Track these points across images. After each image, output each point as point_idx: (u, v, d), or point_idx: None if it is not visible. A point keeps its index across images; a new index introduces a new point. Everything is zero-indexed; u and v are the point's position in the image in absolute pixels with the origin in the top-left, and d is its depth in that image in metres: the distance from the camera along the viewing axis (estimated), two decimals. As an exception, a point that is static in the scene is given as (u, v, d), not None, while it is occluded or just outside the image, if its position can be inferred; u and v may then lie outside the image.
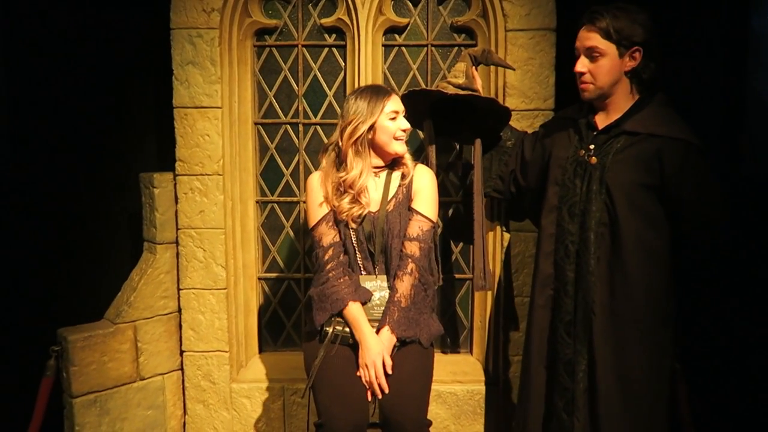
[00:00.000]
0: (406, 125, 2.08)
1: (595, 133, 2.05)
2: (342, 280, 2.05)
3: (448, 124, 2.42)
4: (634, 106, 2.00)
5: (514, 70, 2.47)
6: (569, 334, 2.06)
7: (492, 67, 2.58)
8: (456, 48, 2.72)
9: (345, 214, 2.06)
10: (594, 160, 2.01)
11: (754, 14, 2.95)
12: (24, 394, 2.53)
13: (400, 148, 2.08)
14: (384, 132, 2.05)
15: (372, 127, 2.05)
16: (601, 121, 2.05)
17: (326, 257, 2.06)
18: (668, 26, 2.63)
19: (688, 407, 2.37)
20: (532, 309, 2.18)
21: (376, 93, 2.06)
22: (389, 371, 1.98)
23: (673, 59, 2.69)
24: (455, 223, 2.81)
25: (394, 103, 2.06)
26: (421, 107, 2.33)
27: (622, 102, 2.01)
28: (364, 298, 2.05)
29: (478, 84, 2.30)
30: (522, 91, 2.53)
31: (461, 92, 2.21)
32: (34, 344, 2.57)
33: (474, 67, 2.28)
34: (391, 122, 2.05)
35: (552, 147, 2.18)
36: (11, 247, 3.05)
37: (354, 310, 2.02)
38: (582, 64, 1.98)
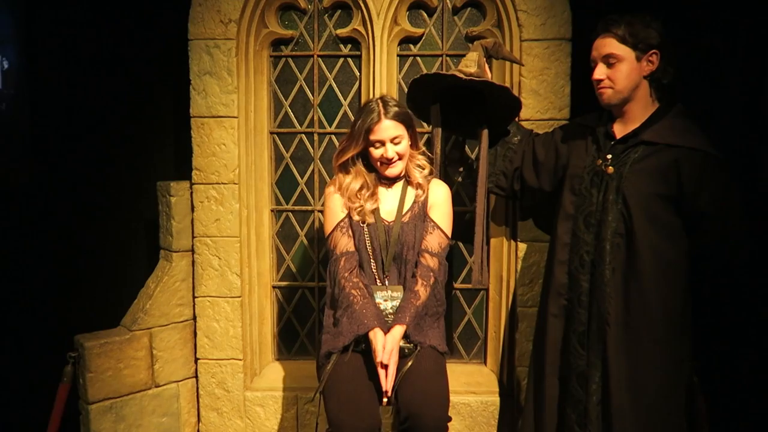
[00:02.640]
0: (391, 154, 2.08)
1: (612, 142, 2.03)
2: (364, 302, 2.05)
3: (452, 117, 2.38)
4: (652, 116, 1.99)
5: (522, 65, 2.46)
6: (582, 345, 2.04)
7: (507, 77, 2.58)
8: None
9: (359, 210, 2.09)
10: (611, 169, 1.99)
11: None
12: (41, 400, 2.56)
13: (388, 171, 2.11)
14: (371, 156, 2.11)
15: (360, 154, 2.13)
16: (619, 130, 2.03)
17: (340, 266, 2.09)
18: (686, 35, 2.63)
19: (706, 421, 2.33)
20: (545, 318, 2.16)
21: (364, 119, 2.07)
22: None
23: (692, 70, 2.68)
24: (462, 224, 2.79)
25: (379, 133, 2.06)
26: (429, 94, 2.30)
27: (640, 110, 2.00)
28: (385, 327, 2.05)
29: (489, 75, 2.27)
30: (537, 101, 2.53)
31: (476, 79, 2.18)
32: (51, 350, 2.60)
33: (485, 59, 2.26)
34: (374, 149, 2.09)
35: (569, 155, 2.17)
36: (29, 254, 3.09)
37: (377, 334, 2.02)
38: (600, 72, 1.98)
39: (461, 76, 2.17)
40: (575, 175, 2.10)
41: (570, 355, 2.07)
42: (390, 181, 2.16)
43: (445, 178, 2.41)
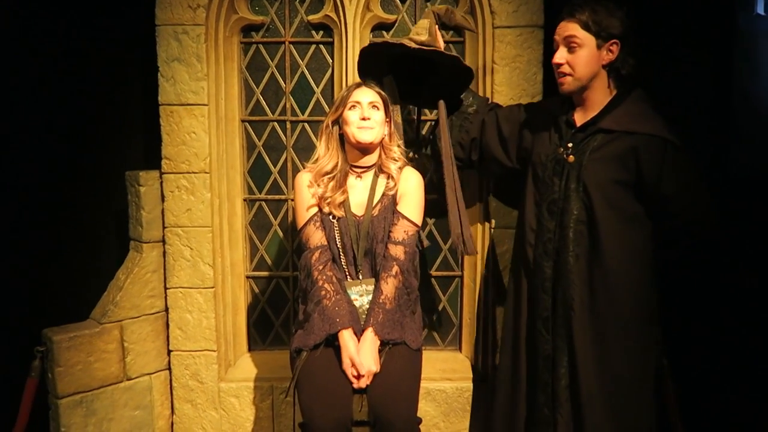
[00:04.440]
0: (369, 114, 2.05)
1: (573, 131, 2.06)
2: (337, 298, 2.04)
3: (405, 87, 2.34)
4: (610, 103, 2.02)
5: (475, 32, 2.45)
6: (547, 329, 2.08)
7: (479, 63, 2.58)
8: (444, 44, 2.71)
9: (328, 201, 2.07)
10: (572, 158, 2.02)
11: (740, 12, 2.96)
12: (9, 395, 2.50)
13: (360, 135, 2.06)
14: (346, 122, 2.07)
15: (337, 121, 2.10)
16: (579, 118, 2.06)
17: (313, 259, 2.08)
18: (654, 24, 2.66)
19: (676, 404, 2.38)
20: (516, 300, 2.19)
21: (347, 88, 2.10)
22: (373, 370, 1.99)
23: (659, 58, 2.71)
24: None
25: (359, 94, 2.08)
26: (381, 66, 2.25)
27: (599, 97, 2.02)
28: (358, 325, 2.05)
29: (441, 43, 2.25)
30: (510, 88, 2.53)
31: (425, 48, 2.14)
32: (18, 345, 2.54)
33: (437, 26, 2.23)
34: (351, 111, 2.07)
35: (533, 140, 2.19)
36: (-5, 246, 3.01)
37: (347, 335, 2.02)
38: (560, 55, 1.99)
39: (411, 44, 2.12)
40: (539, 162, 2.12)
41: (535, 339, 2.10)
42: (361, 170, 2.14)
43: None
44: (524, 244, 2.15)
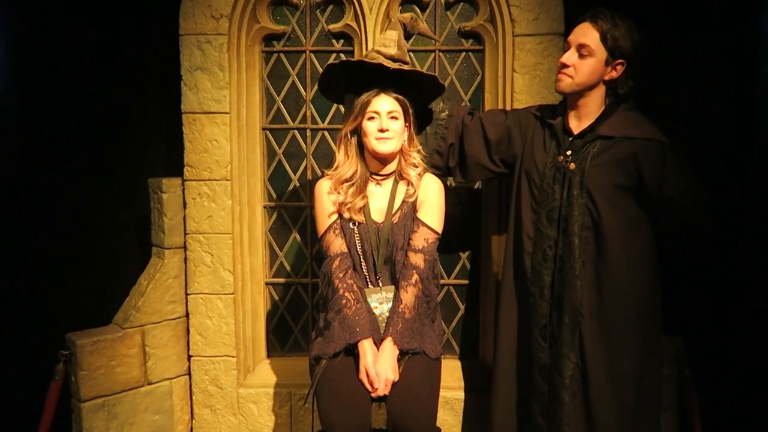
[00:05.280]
0: (387, 125, 2.03)
1: (571, 138, 2.07)
2: (357, 307, 2.04)
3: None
4: (604, 112, 2.05)
5: (438, 41, 2.41)
6: (544, 338, 2.07)
7: (500, 72, 2.58)
8: (463, 53, 2.72)
9: (348, 206, 2.07)
10: (572, 165, 2.03)
11: (764, 17, 2.93)
12: (33, 398, 2.54)
13: (379, 146, 2.04)
14: (365, 133, 2.06)
15: (356, 131, 2.08)
16: (575, 126, 2.08)
17: (334, 267, 2.07)
18: (677, 30, 2.64)
19: (697, 413, 2.36)
20: (508, 310, 2.19)
21: (367, 95, 2.04)
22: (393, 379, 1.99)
23: (683, 63, 2.70)
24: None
25: (378, 103, 2.03)
26: (342, 80, 2.16)
27: (594, 107, 2.05)
28: (378, 334, 2.05)
29: (406, 55, 2.17)
30: (530, 96, 2.53)
31: (404, 67, 2.07)
32: (43, 348, 2.58)
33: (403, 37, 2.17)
34: (370, 122, 2.04)
35: (524, 146, 2.19)
36: (20, 252, 3.06)
37: (366, 345, 2.02)
38: (569, 57, 2.00)
39: (389, 65, 2.03)
40: (534, 170, 2.12)
41: (531, 348, 2.10)
42: (381, 177, 2.14)
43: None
44: (520, 252, 2.14)
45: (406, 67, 2.07)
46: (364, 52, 2.63)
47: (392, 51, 2.08)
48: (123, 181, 3.07)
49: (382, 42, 2.11)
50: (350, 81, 2.13)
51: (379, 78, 2.06)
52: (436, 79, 2.14)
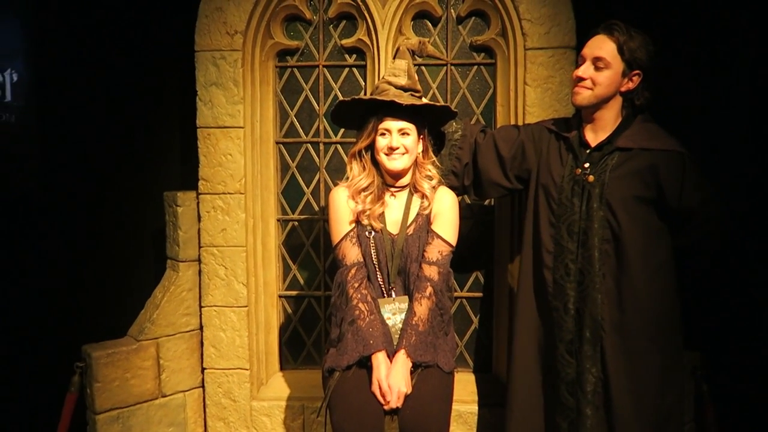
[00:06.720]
0: (396, 143, 2.02)
1: (588, 151, 2.06)
2: (371, 319, 2.03)
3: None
4: (621, 125, 2.04)
5: (445, 60, 2.42)
6: (570, 353, 2.05)
7: (512, 85, 2.59)
8: (475, 66, 2.74)
9: (367, 213, 2.07)
10: (591, 178, 2.02)
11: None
12: (48, 410, 2.56)
13: (389, 164, 2.05)
14: (377, 150, 2.07)
15: (370, 147, 2.08)
16: (591, 138, 2.07)
17: (349, 276, 2.07)
18: (696, 34, 2.64)
19: (715, 429, 2.33)
20: (527, 325, 2.16)
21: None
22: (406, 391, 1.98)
23: (701, 66, 2.70)
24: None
25: (388, 122, 2.03)
26: (354, 110, 2.12)
27: (611, 119, 2.04)
28: (391, 347, 2.05)
29: (417, 84, 2.15)
30: (542, 109, 2.53)
31: (416, 103, 2.05)
32: (58, 360, 2.61)
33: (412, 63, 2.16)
34: (381, 138, 2.05)
35: (540, 160, 2.17)
36: (37, 264, 3.11)
37: (380, 357, 2.01)
38: (585, 71, 2.00)
39: (401, 101, 2.00)
40: (551, 183, 2.11)
41: (557, 363, 2.07)
42: (396, 189, 2.15)
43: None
44: (539, 266, 2.12)
45: (418, 103, 2.07)
46: (375, 68, 2.66)
47: (402, 81, 2.08)
48: (138, 195, 3.11)
49: (391, 71, 2.11)
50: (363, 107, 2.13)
51: (391, 107, 2.04)
52: (448, 108, 2.15)
